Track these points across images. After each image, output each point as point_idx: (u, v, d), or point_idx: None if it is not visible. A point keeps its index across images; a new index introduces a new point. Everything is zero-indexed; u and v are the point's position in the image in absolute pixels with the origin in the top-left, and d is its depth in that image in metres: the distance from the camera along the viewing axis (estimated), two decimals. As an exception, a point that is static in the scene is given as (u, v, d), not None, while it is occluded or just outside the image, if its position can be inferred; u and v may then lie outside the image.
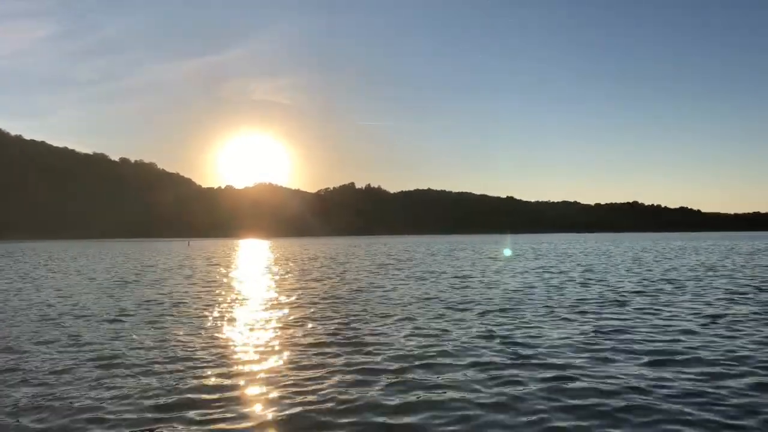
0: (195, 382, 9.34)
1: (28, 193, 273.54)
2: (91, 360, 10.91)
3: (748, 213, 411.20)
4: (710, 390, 8.58)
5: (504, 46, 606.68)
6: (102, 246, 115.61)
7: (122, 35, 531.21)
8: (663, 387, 8.75)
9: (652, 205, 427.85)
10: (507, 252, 62.56)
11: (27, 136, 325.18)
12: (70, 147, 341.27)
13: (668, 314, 15.83)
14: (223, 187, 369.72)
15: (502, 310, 16.88)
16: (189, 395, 8.61)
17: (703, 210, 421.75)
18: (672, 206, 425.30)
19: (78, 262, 49.81)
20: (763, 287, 22.62)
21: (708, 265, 36.34)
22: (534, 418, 7.55)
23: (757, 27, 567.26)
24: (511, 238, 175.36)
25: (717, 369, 9.76)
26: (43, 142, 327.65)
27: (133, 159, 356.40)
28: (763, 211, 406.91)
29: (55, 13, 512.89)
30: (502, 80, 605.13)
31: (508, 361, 10.48)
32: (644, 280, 26.62)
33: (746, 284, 23.93)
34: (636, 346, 11.59)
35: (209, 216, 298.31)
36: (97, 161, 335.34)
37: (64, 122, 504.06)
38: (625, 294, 20.82)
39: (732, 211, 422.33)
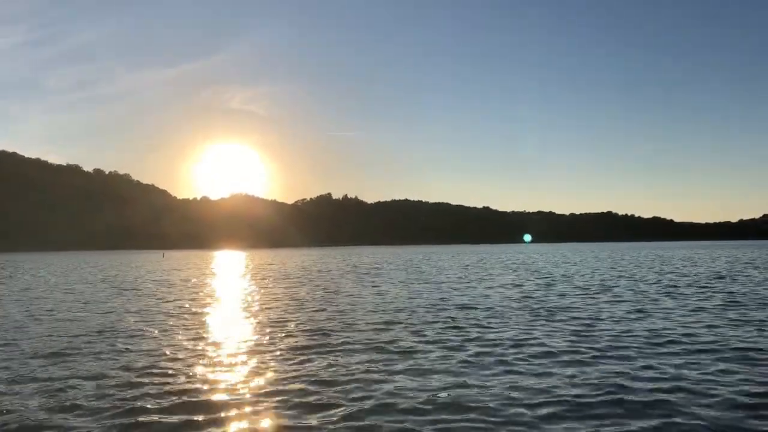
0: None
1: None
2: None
3: (720, 222, 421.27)
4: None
5: (481, 56, 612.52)
6: (75, 258, 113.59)
7: (95, 43, 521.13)
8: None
9: (626, 215, 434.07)
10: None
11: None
12: (42, 158, 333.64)
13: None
14: (198, 198, 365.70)
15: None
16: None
17: (676, 220, 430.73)
18: (645, 216, 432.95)
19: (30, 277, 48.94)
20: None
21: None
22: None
23: (732, 40, 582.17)
24: (488, 248, 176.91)
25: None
26: (14, 153, 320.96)
27: (107, 170, 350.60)
28: (733, 220, 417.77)
29: (25, 20, 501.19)
30: (478, 90, 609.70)
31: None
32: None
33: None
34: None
35: (185, 227, 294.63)
36: (70, 172, 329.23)
37: (35, 132, 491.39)
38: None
39: (704, 221, 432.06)
